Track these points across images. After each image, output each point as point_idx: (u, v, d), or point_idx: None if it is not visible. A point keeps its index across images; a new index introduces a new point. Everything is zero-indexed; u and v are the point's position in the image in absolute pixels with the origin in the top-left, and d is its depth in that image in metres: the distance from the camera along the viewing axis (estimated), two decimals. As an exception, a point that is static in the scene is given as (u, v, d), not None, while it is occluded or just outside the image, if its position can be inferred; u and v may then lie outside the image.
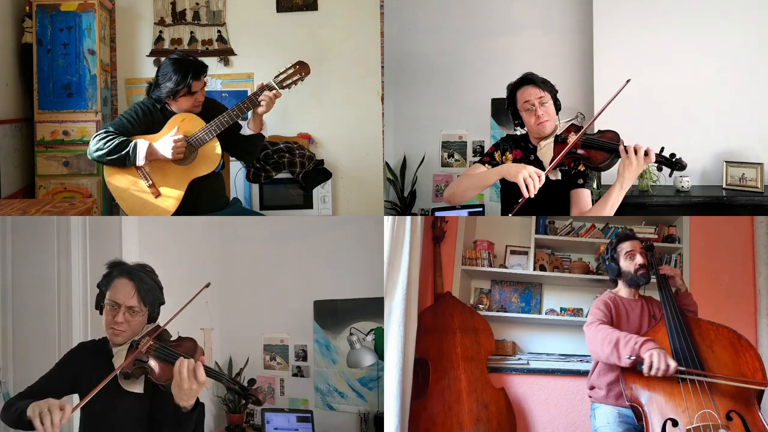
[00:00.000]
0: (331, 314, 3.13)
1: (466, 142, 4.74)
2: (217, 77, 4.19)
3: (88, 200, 3.14)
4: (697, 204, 3.81)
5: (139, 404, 1.82)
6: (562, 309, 3.07)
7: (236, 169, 4.06)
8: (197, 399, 1.77)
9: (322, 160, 4.26)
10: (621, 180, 2.32)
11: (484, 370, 2.75)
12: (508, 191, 2.54)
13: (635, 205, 3.79)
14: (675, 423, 1.91)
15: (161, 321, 1.95)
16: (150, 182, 2.80)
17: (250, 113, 2.95)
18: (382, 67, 4.30)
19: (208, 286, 2.06)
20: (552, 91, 2.52)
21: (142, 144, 2.75)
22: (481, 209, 4.09)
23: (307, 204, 4.23)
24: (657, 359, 1.95)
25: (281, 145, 4.11)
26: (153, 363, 1.79)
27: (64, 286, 2.65)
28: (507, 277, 3.13)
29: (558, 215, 3.11)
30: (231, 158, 3.44)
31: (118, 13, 4.15)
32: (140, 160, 2.75)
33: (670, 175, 2.38)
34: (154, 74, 2.91)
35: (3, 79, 3.59)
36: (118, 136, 2.75)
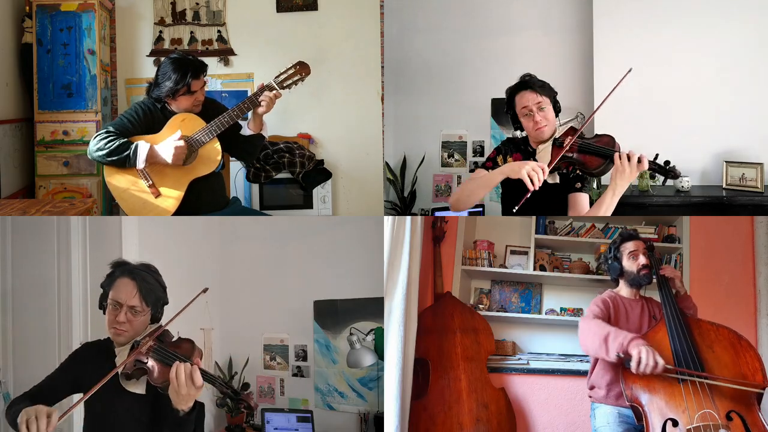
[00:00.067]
0: (331, 314, 3.13)
1: (466, 142, 4.74)
2: (217, 77, 4.19)
3: (88, 200, 3.14)
4: (697, 204, 3.81)
5: (141, 405, 1.82)
6: (562, 309, 3.07)
7: (236, 169, 4.06)
8: (196, 400, 1.77)
9: (322, 160, 4.26)
10: (613, 186, 2.33)
11: (484, 370, 2.75)
12: (509, 191, 2.54)
13: (635, 205, 3.79)
14: (675, 423, 1.92)
15: (164, 321, 1.95)
16: (150, 182, 2.80)
17: (250, 113, 2.96)
18: (382, 67, 4.30)
19: (205, 291, 2.06)
20: (551, 94, 2.51)
21: (143, 147, 2.74)
22: (481, 209, 4.10)
23: (307, 204, 4.23)
24: (645, 355, 1.95)
25: (281, 145, 4.11)
26: (151, 364, 1.78)
27: (64, 286, 2.65)
28: (507, 277, 3.13)
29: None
30: (231, 158, 3.44)
31: (118, 13, 4.15)
32: (140, 163, 2.75)
33: (663, 183, 2.40)
34: (154, 74, 2.91)
35: (3, 79, 3.59)
36: (118, 137, 2.74)
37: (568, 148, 2.37)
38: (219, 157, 2.87)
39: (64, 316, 2.63)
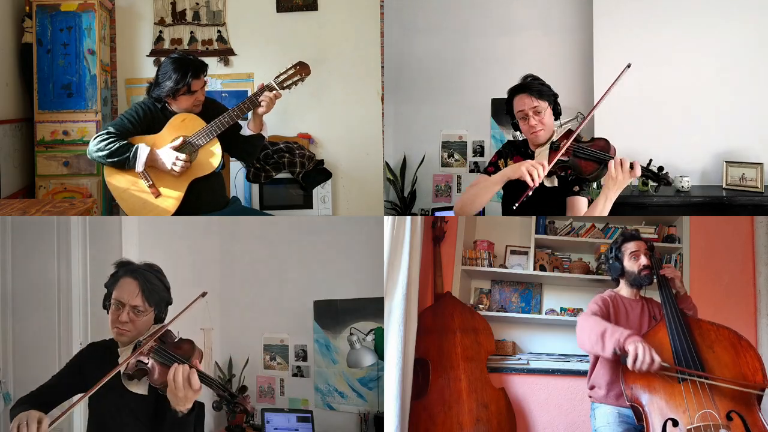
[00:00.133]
0: (331, 314, 3.13)
1: (466, 142, 4.73)
2: (217, 77, 4.19)
3: (88, 200, 3.14)
4: (697, 204, 3.80)
5: (143, 406, 1.81)
6: (562, 309, 3.07)
7: (236, 169, 4.06)
8: (196, 400, 1.77)
9: (322, 160, 4.26)
10: (606, 192, 2.34)
11: (484, 370, 2.75)
12: (510, 191, 2.54)
13: (635, 205, 3.79)
14: (675, 423, 1.91)
15: (166, 321, 1.95)
16: (150, 182, 2.80)
17: (250, 113, 2.96)
18: (382, 67, 4.31)
19: (204, 295, 2.05)
20: (550, 98, 2.49)
21: (143, 150, 2.75)
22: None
23: (307, 204, 4.23)
24: (642, 352, 1.95)
25: (281, 145, 4.11)
26: (151, 364, 1.78)
27: (64, 286, 2.65)
28: (507, 277, 3.13)
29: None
30: (231, 158, 3.44)
31: (118, 13, 4.15)
32: (140, 167, 2.75)
33: (655, 190, 2.41)
34: (155, 74, 2.91)
35: (3, 79, 3.59)
36: (119, 138, 2.74)
37: (563, 151, 2.37)
38: (219, 158, 2.87)
39: (64, 316, 2.63)
